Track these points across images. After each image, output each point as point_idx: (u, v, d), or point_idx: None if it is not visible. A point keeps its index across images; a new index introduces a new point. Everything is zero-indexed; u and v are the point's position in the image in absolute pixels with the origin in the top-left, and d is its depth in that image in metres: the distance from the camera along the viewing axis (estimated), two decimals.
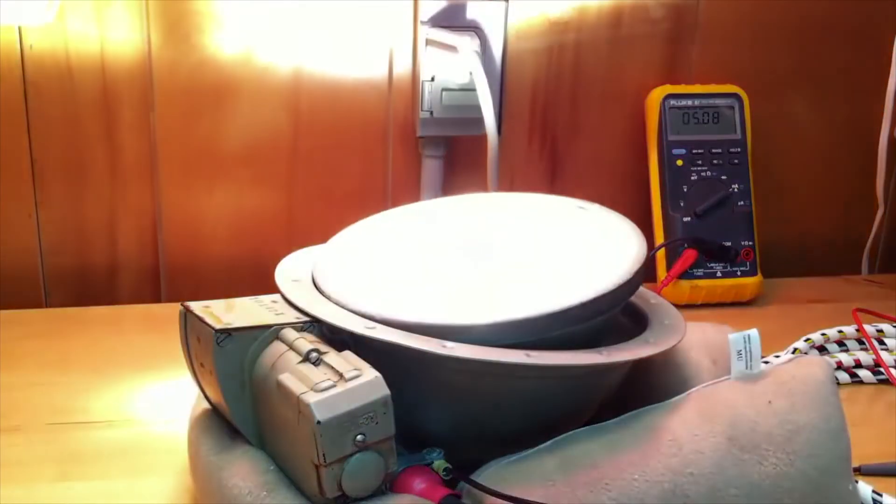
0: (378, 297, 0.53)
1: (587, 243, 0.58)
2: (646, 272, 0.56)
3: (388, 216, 0.64)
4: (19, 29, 0.84)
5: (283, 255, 0.61)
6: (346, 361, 0.48)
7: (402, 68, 0.92)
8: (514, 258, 0.56)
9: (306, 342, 0.49)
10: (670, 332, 0.56)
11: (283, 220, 0.93)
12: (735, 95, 0.95)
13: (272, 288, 0.56)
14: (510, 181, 0.97)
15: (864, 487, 0.56)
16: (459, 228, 0.61)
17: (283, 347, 0.50)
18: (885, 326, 0.79)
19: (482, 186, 0.93)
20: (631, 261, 0.55)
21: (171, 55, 0.87)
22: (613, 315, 0.56)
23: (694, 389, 0.54)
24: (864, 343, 0.78)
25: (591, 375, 0.53)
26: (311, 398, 0.45)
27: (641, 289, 0.64)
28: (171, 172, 0.90)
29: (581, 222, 0.61)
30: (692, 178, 0.93)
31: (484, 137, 0.87)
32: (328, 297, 0.54)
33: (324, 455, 0.45)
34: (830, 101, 1.02)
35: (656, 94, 0.94)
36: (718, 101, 0.95)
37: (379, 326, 0.50)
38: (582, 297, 0.52)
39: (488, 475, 0.50)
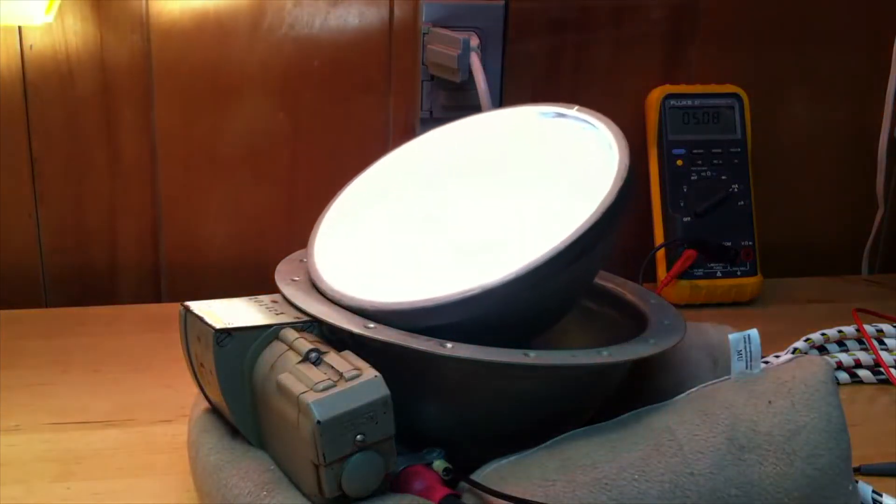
0: (370, 287, 0.53)
1: (564, 167, 0.57)
2: (634, 182, 0.54)
3: (366, 185, 0.62)
4: (19, 29, 0.84)
5: (283, 255, 0.61)
6: (345, 361, 0.48)
7: (402, 68, 0.92)
8: (493, 220, 0.56)
9: (306, 342, 0.49)
10: (670, 332, 0.56)
11: (283, 220, 0.93)
12: (735, 95, 0.95)
13: (272, 288, 0.56)
14: None
15: (864, 487, 0.56)
16: (435, 195, 0.59)
17: (283, 347, 0.50)
18: (885, 326, 0.79)
19: None
20: (611, 181, 0.53)
21: (171, 55, 0.87)
22: (608, 246, 0.55)
23: (694, 389, 0.54)
24: (864, 343, 0.78)
25: (591, 375, 0.53)
26: (311, 398, 0.45)
27: (641, 289, 0.64)
28: (171, 172, 0.90)
29: (558, 142, 0.59)
30: (692, 178, 0.93)
31: None
32: (323, 293, 0.54)
33: (324, 455, 0.45)
34: (830, 102, 1.02)
35: (656, 94, 0.94)
36: (718, 101, 0.95)
37: (378, 326, 0.50)
38: (567, 240, 0.51)
39: (488, 475, 0.50)
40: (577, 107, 0.60)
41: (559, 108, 0.61)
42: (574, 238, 0.51)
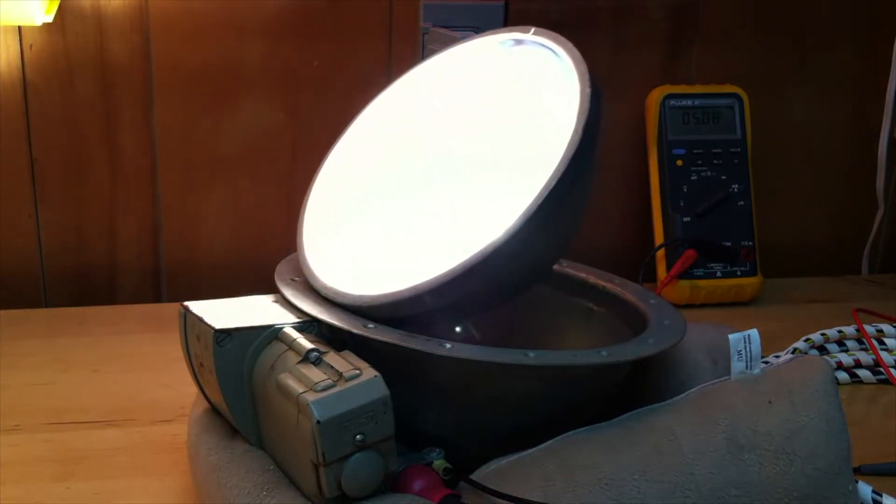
0: (364, 283, 0.53)
1: (532, 110, 0.56)
2: (599, 111, 0.52)
3: (344, 163, 0.62)
4: (19, 29, 0.84)
5: (283, 255, 0.61)
6: (345, 361, 0.48)
7: (402, 68, 0.91)
8: (473, 202, 0.55)
9: (306, 342, 0.49)
10: (670, 332, 0.56)
11: (283, 220, 0.93)
12: (735, 95, 0.95)
13: (272, 288, 0.56)
14: None
15: (864, 487, 0.56)
16: (416, 173, 0.59)
17: (283, 347, 0.50)
18: (885, 326, 0.79)
19: None
20: (575, 119, 0.52)
21: (171, 55, 0.87)
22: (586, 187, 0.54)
23: (694, 389, 0.54)
24: (864, 343, 0.78)
25: (591, 375, 0.53)
26: (311, 398, 0.45)
27: (641, 289, 0.64)
28: (171, 172, 0.90)
29: (522, 80, 0.58)
30: (692, 178, 0.93)
31: None
32: (317, 291, 0.54)
33: (323, 455, 0.45)
34: (830, 101, 1.02)
35: (656, 94, 0.94)
36: (718, 101, 0.95)
37: (377, 326, 0.50)
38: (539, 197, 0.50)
39: (488, 475, 0.50)
40: (533, 29, 0.59)
41: (516, 34, 0.59)
42: (541, 199, 0.50)
